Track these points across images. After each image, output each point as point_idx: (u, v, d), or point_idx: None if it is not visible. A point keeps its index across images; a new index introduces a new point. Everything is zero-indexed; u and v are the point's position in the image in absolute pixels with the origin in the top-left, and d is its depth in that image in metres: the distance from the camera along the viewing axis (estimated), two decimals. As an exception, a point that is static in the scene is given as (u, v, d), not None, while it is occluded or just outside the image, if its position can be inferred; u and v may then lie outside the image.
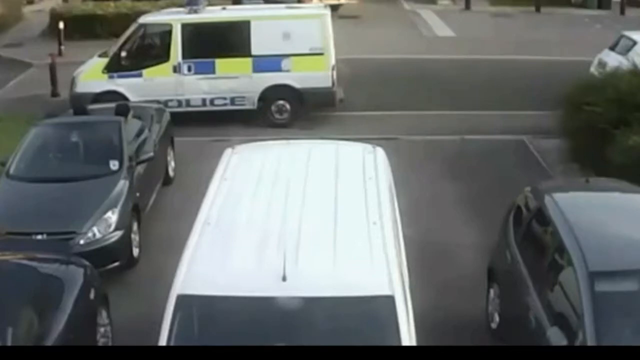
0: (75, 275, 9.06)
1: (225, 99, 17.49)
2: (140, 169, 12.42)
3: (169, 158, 14.55)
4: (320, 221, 7.65)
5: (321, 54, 17.35)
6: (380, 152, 9.56)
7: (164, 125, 14.56)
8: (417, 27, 29.11)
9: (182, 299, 6.80)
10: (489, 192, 13.52)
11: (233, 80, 17.35)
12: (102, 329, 9.18)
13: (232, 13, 18.40)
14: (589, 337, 7.23)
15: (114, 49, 17.89)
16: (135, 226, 11.72)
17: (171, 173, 14.59)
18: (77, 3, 29.18)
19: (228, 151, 9.49)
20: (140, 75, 17.46)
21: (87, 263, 9.43)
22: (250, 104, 17.58)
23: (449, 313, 10.00)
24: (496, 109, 18.42)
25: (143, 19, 18.17)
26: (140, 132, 13.42)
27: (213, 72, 17.43)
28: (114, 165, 12.03)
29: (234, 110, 17.52)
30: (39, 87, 20.33)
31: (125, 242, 11.29)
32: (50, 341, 7.88)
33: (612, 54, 19.26)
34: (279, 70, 17.38)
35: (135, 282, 11.15)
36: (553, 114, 15.83)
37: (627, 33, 19.84)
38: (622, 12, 30.95)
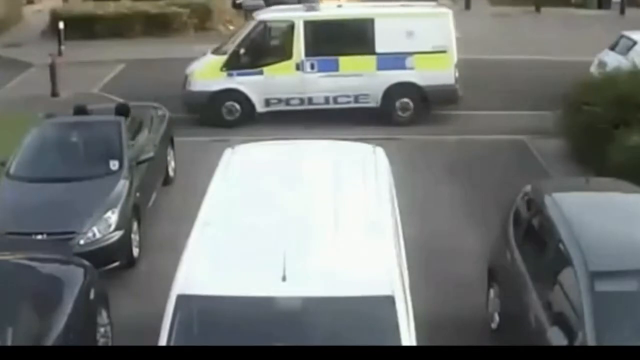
0: (75, 275, 9.05)
1: (349, 96, 17.43)
2: (140, 169, 12.41)
3: (169, 158, 14.54)
4: (320, 221, 7.66)
5: (444, 51, 17.37)
6: (380, 152, 9.57)
7: (164, 125, 14.55)
8: (417, 27, 29.07)
9: (182, 299, 6.80)
10: (488, 191, 13.51)
11: (357, 78, 17.26)
12: (102, 329, 9.17)
13: (355, 10, 18.38)
14: (589, 337, 7.23)
15: (231, 46, 17.78)
16: (135, 226, 11.71)
17: (171, 173, 14.59)
18: (77, 3, 29.20)
19: (228, 151, 9.49)
20: (261, 73, 17.40)
21: (87, 263, 9.42)
22: (374, 102, 17.54)
23: (449, 313, 10.00)
24: (496, 109, 18.42)
25: (262, 16, 18.05)
26: (140, 132, 13.41)
27: (337, 69, 17.35)
28: (114, 165, 12.02)
29: (357, 108, 17.46)
30: (39, 87, 20.32)
31: (125, 242, 11.28)
32: (50, 341, 7.86)
33: (612, 54, 19.26)
34: (403, 68, 17.36)
35: (135, 282, 11.15)
36: (553, 114, 15.85)
37: (627, 33, 19.83)
38: (622, 12, 30.94)
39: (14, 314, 7.76)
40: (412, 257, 8.76)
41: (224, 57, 17.60)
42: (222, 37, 27.28)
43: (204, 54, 18.45)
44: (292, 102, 17.27)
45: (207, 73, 17.61)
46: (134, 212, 11.74)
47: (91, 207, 11.20)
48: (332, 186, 8.35)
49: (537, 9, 31.83)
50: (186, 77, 17.83)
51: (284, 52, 17.49)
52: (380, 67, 17.31)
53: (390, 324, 6.62)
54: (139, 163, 12.44)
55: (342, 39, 17.49)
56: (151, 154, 12.81)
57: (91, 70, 22.55)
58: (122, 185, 11.74)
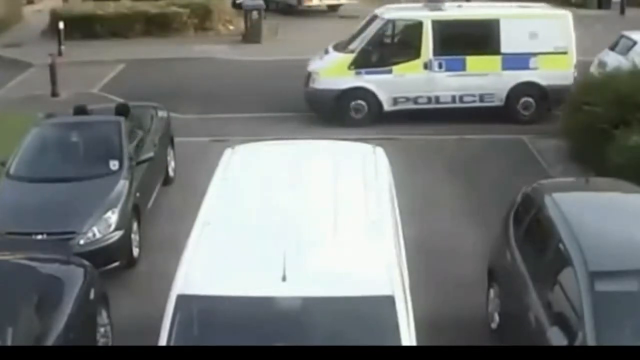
0: (75, 275, 9.06)
1: (474, 96, 17.60)
2: (140, 169, 12.41)
3: (169, 158, 14.54)
4: (320, 221, 7.66)
5: (565, 52, 17.56)
6: (380, 152, 9.57)
7: (164, 125, 14.55)
8: (417, 27, 29.05)
9: (182, 299, 6.80)
10: (488, 191, 13.52)
11: (483, 78, 17.46)
12: (102, 329, 9.18)
13: (480, 11, 18.60)
14: (589, 337, 7.23)
15: (358, 44, 17.85)
16: (135, 226, 11.71)
17: (171, 173, 14.58)
18: (77, 3, 29.21)
19: (228, 151, 9.48)
20: (389, 72, 17.53)
21: (87, 263, 9.42)
22: (498, 101, 17.70)
23: (449, 313, 10.00)
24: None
25: (389, 15, 18.14)
26: (140, 132, 13.40)
27: (464, 69, 17.55)
28: (114, 165, 12.01)
29: (481, 107, 17.64)
30: (39, 87, 20.33)
31: (125, 242, 11.28)
32: (50, 341, 7.87)
33: (612, 54, 19.27)
34: (527, 68, 17.54)
35: (135, 282, 11.15)
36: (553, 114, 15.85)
37: (627, 33, 19.84)
38: (622, 12, 30.95)
39: (14, 314, 7.76)
40: (412, 257, 8.76)
41: (351, 56, 17.68)
42: (221, 36, 27.47)
43: (326, 51, 18.47)
44: (420, 100, 17.47)
45: (334, 71, 17.68)
46: (134, 212, 11.74)
47: (91, 207, 11.20)
48: (332, 186, 8.35)
49: (537, 9, 31.78)
50: (309, 75, 17.92)
51: (412, 51, 17.65)
52: (505, 66, 17.54)
53: (390, 324, 6.62)
54: (139, 163, 12.43)
55: (468, 38, 17.70)
56: (151, 154, 12.81)
57: (91, 70, 22.56)
58: (122, 185, 11.74)
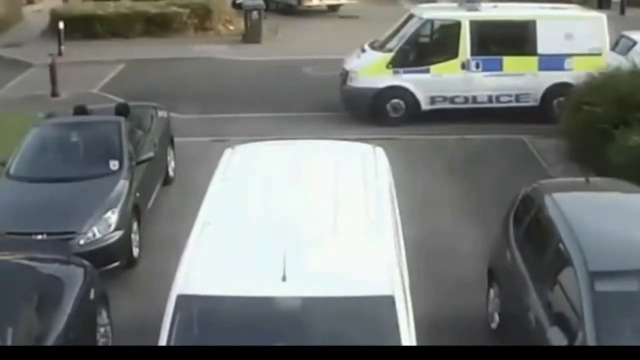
0: (75, 275, 9.06)
1: (510, 96, 17.72)
2: (140, 169, 12.41)
3: (169, 158, 14.54)
4: (320, 221, 7.66)
5: (599, 54, 17.65)
6: (380, 152, 9.57)
7: (164, 125, 14.55)
8: (417, 27, 29.04)
9: (182, 299, 6.80)
10: (488, 191, 13.51)
11: (519, 78, 17.57)
12: (102, 329, 9.18)
13: (516, 12, 18.62)
14: (589, 337, 7.23)
15: (396, 43, 17.92)
16: (135, 226, 11.71)
17: (171, 173, 14.58)
18: (77, 3, 29.22)
19: (228, 151, 9.49)
20: (427, 71, 17.61)
21: (87, 263, 9.42)
22: (534, 101, 17.81)
23: (449, 313, 10.00)
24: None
25: (428, 15, 18.26)
26: (140, 132, 13.40)
27: (500, 69, 17.64)
28: (114, 165, 12.02)
29: (516, 107, 17.72)
30: (39, 87, 20.33)
31: (125, 242, 11.28)
32: (50, 341, 7.87)
33: (612, 54, 19.23)
34: (562, 69, 17.61)
35: (135, 282, 11.15)
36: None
37: (627, 33, 19.85)
38: (622, 12, 30.94)
39: (14, 314, 7.76)
40: (412, 257, 8.76)
41: (390, 55, 17.76)
42: (221, 36, 27.48)
43: (363, 50, 18.50)
44: (457, 100, 17.57)
45: (372, 70, 17.75)
46: (134, 212, 11.74)
47: (91, 207, 11.20)
48: (332, 186, 8.35)
49: (538, 9, 31.77)
50: (347, 73, 17.97)
51: (450, 51, 17.72)
52: (541, 67, 17.64)
53: (390, 324, 6.63)
54: (139, 163, 12.43)
55: (505, 39, 17.84)
56: (151, 154, 12.81)
57: (91, 70, 22.56)
58: (122, 185, 11.74)
